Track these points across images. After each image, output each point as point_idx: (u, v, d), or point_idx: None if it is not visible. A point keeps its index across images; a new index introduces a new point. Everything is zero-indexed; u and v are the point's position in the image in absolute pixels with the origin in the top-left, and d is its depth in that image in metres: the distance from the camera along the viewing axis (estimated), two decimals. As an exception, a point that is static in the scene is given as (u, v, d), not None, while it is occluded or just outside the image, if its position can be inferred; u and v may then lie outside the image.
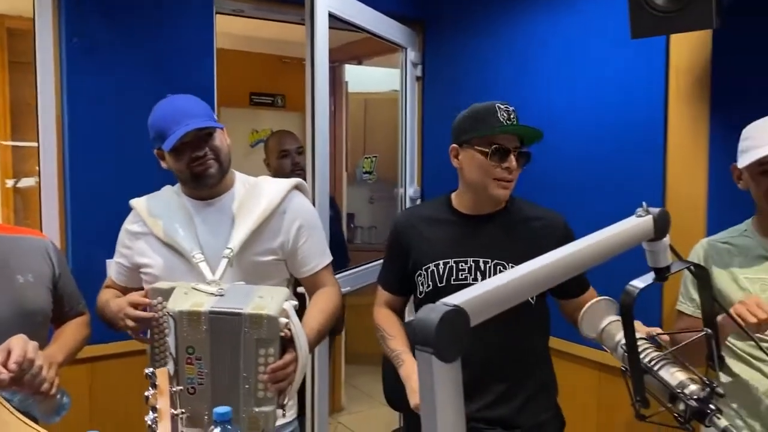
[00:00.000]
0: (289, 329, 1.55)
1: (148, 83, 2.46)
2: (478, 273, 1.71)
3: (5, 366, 1.32)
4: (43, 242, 1.72)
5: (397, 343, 1.78)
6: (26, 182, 3.92)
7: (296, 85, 4.51)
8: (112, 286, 1.89)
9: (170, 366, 1.51)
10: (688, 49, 2.14)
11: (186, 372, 1.50)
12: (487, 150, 1.67)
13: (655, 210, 0.98)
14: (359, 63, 4.38)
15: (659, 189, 2.21)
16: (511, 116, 1.68)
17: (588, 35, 2.44)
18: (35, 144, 2.36)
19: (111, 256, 2.42)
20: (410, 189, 3.28)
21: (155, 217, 1.76)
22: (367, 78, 4.95)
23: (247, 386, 1.53)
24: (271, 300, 1.54)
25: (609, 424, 2.42)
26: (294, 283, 1.90)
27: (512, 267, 1.61)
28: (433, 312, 0.71)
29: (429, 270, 1.77)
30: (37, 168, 2.37)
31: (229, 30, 3.88)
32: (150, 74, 2.47)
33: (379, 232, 5.24)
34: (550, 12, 2.59)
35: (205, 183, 1.74)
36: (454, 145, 1.77)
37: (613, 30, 2.31)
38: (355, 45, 3.89)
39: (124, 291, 1.84)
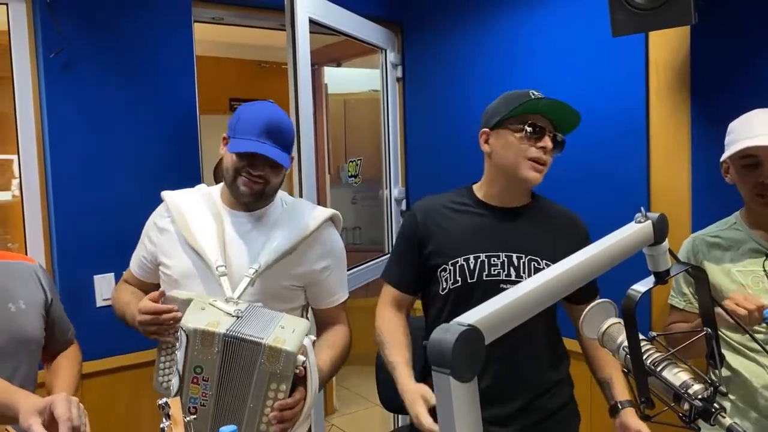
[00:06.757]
0: (305, 367, 1.49)
1: (128, 95, 2.45)
2: (512, 268, 1.63)
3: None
4: (32, 267, 1.68)
5: (394, 353, 1.65)
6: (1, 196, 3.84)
7: (276, 89, 4.48)
8: (130, 280, 1.84)
9: (174, 382, 1.46)
10: (667, 45, 2.17)
11: (190, 391, 1.45)
12: (521, 127, 1.60)
13: (654, 215, 0.99)
14: (338, 65, 4.37)
15: (644, 185, 2.23)
16: (544, 99, 1.61)
17: (568, 34, 2.46)
18: (9, 157, 2.31)
19: (98, 272, 2.38)
20: (395, 190, 3.28)
21: (186, 216, 1.69)
22: (346, 79, 4.94)
23: (251, 417, 1.48)
24: (292, 333, 1.47)
25: (603, 416, 2.45)
26: (308, 309, 1.85)
27: (546, 264, 1.63)
28: (447, 332, 0.70)
29: (457, 264, 1.65)
30: (13, 181, 2.32)
31: (204, 36, 3.83)
32: (130, 85, 2.45)
33: (363, 233, 5.24)
34: (531, 12, 2.59)
35: (236, 195, 1.69)
36: (485, 129, 1.68)
37: (594, 28, 2.33)
38: (334, 47, 3.88)
39: (143, 285, 1.81)
